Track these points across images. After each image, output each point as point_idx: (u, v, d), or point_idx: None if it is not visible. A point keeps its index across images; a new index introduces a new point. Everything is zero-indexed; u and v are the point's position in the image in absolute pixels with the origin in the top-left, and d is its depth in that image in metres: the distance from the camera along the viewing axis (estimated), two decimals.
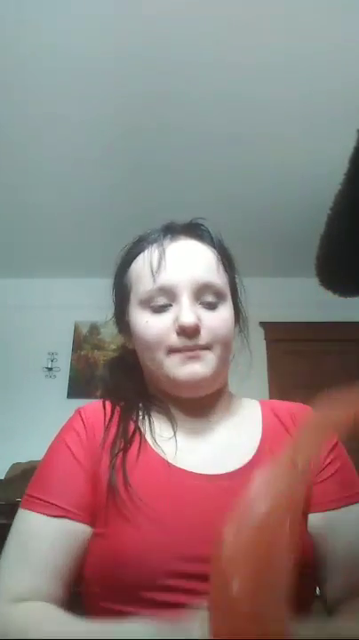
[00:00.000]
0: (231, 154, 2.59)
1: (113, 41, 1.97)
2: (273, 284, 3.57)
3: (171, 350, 0.67)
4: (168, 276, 0.68)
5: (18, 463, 3.13)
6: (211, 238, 0.74)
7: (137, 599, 0.56)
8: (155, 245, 0.71)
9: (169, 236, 0.72)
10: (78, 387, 3.57)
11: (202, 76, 2.13)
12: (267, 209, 3.03)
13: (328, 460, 0.70)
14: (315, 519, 0.66)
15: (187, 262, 0.69)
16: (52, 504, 0.62)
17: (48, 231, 3.32)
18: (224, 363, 0.71)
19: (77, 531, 0.62)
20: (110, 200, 2.99)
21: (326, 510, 0.66)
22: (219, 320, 0.69)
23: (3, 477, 3.15)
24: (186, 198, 2.89)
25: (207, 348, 0.68)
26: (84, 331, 3.74)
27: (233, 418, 0.74)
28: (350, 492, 0.68)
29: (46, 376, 3.70)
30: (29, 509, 0.63)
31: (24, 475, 2.76)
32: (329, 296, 0.99)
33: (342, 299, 0.99)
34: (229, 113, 2.32)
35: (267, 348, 3.69)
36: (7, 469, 3.18)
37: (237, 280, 0.77)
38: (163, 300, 0.68)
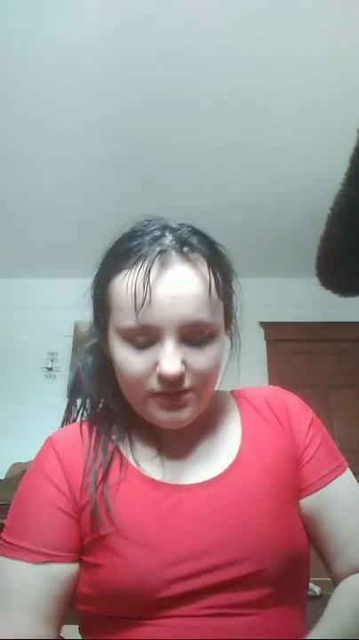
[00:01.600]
0: (232, 154, 2.59)
1: (117, 47, 1.97)
2: (273, 283, 3.57)
3: (152, 394, 0.62)
4: (152, 316, 0.59)
5: (18, 463, 3.14)
6: (206, 258, 0.63)
7: (135, 617, 0.57)
8: (141, 272, 0.60)
9: (158, 258, 0.60)
10: None
11: (204, 83, 2.13)
12: (267, 209, 3.03)
13: (309, 439, 0.70)
14: (308, 502, 0.66)
15: (175, 300, 0.59)
16: (35, 551, 0.59)
17: (48, 231, 3.32)
18: (208, 398, 0.67)
19: (65, 572, 0.60)
20: (111, 201, 2.99)
21: (317, 490, 0.66)
22: (205, 360, 0.62)
23: (3, 477, 3.15)
24: (186, 198, 2.90)
25: (190, 390, 0.62)
26: (84, 331, 3.74)
27: (214, 420, 0.72)
28: (334, 465, 0.68)
29: (46, 376, 3.70)
30: (7, 556, 0.60)
31: (24, 475, 2.76)
32: (329, 296, 0.99)
33: (342, 299, 0.99)
34: (230, 113, 2.32)
35: (267, 348, 3.69)
36: (7, 469, 3.18)
37: (233, 290, 0.69)
38: (144, 338, 0.60)
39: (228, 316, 0.69)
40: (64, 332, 3.91)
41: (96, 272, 0.69)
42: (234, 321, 0.71)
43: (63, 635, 0.65)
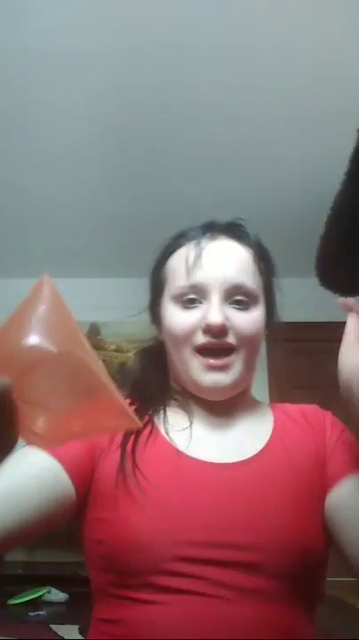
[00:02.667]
0: (232, 154, 2.59)
1: (113, 36, 1.97)
2: None
3: (197, 349, 0.67)
4: (201, 275, 0.69)
5: None
6: (250, 240, 0.75)
7: (142, 584, 0.58)
8: (193, 243, 0.72)
9: (208, 234, 0.73)
10: None
11: (202, 73, 2.13)
12: (267, 209, 3.03)
13: (341, 441, 0.72)
14: (330, 498, 0.67)
15: (221, 262, 0.70)
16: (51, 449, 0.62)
17: (48, 232, 3.32)
18: (250, 366, 0.71)
19: (59, 477, 0.61)
20: (110, 201, 2.99)
21: (339, 483, 0.67)
22: (248, 321, 0.69)
23: None
24: (185, 199, 2.90)
25: (234, 349, 0.67)
26: (84, 331, 3.74)
27: (247, 414, 0.75)
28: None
29: None
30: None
31: None
32: (329, 296, 0.99)
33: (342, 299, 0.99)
34: (230, 112, 2.32)
35: (267, 348, 3.69)
36: None
37: (275, 284, 0.79)
38: (193, 297, 0.69)
39: (270, 309, 0.77)
40: None
41: (155, 260, 0.79)
42: (274, 320, 0.79)
43: (63, 634, 0.66)
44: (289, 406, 0.79)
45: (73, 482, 0.63)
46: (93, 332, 3.71)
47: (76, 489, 0.63)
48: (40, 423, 0.35)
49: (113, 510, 0.61)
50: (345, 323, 0.76)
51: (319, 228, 0.96)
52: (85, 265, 3.57)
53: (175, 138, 2.49)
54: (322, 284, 0.96)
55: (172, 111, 2.32)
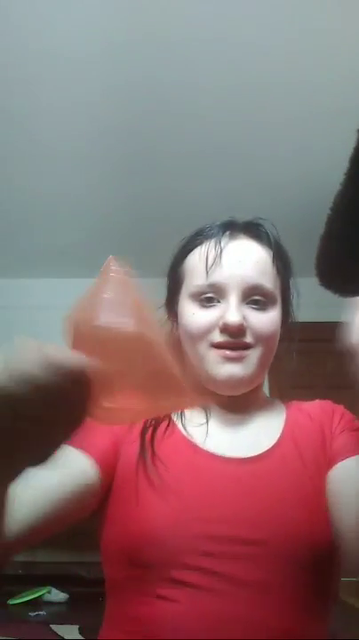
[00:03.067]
0: (231, 153, 2.59)
1: (113, 33, 1.97)
2: None
3: (213, 345, 0.68)
4: (220, 275, 0.69)
5: None
6: (270, 240, 0.75)
7: (159, 578, 0.58)
8: (212, 242, 0.72)
9: (227, 233, 0.73)
10: None
11: (201, 70, 2.13)
12: (267, 208, 3.02)
13: (343, 429, 0.73)
14: (328, 478, 0.67)
15: (240, 262, 0.70)
16: (76, 440, 0.63)
17: (48, 231, 3.32)
18: (264, 364, 0.74)
19: (88, 470, 0.63)
20: (110, 200, 2.99)
21: (336, 465, 0.68)
22: (265, 321, 0.70)
23: None
24: (184, 199, 2.90)
25: (250, 346, 0.69)
26: None
27: (261, 411, 0.76)
28: None
29: None
30: None
31: None
32: (329, 296, 0.99)
33: (342, 299, 0.99)
34: (229, 113, 2.32)
35: None
36: None
37: (292, 285, 0.79)
38: (211, 296, 0.70)
39: (286, 309, 0.77)
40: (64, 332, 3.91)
41: (172, 258, 0.79)
42: (290, 320, 0.79)
43: (63, 634, 0.67)
44: (305, 404, 0.80)
45: (101, 476, 0.64)
46: None
47: (102, 482, 0.65)
48: (108, 400, 0.36)
49: (132, 504, 0.63)
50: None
51: (319, 227, 0.96)
52: (85, 265, 3.57)
53: (176, 137, 2.48)
54: (322, 284, 0.96)
55: (172, 109, 2.31)
